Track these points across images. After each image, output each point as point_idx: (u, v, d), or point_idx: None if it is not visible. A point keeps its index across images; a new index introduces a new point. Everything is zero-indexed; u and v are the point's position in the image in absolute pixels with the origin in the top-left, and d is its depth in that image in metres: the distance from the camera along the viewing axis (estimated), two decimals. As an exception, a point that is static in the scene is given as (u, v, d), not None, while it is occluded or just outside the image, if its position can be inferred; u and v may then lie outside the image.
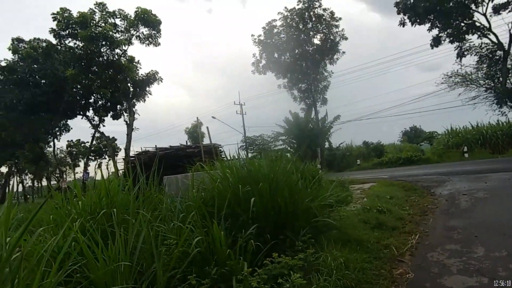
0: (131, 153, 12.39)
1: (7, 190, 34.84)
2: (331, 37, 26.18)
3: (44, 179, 36.96)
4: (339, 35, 26.21)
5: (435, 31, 20.41)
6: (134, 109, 25.37)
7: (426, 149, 28.94)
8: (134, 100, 25.41)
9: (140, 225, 2.60)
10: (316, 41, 26.82)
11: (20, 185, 42.16)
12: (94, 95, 25.00)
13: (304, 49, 26.78)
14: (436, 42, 20.64)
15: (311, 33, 26.53)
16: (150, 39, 23.79)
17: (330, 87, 27.65)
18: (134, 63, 24.87)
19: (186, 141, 22.30)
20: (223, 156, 6.01)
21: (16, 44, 23.80)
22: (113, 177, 4.45)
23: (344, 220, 4.47)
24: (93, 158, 42.38)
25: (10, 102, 22.00)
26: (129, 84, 24.78)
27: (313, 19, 26.08)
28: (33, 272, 1.68)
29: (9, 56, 23.90)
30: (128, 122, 24.61)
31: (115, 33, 22.63)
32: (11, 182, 37.24)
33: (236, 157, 4.76)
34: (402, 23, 20.65)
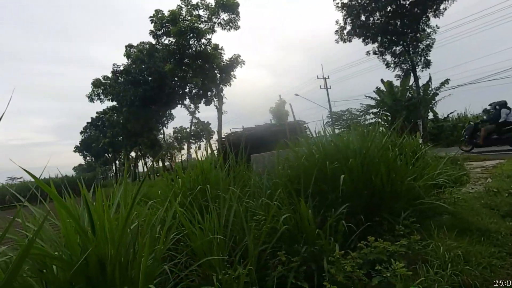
0: (222, 135, 13.56)
1: (136, 171, 44.57)
2: (436, -19, 21.09)
3: (160, 161, 45.28)
4: (447, -23, 20.85)
5: None
6: (222, 94, 27.44)
7: None
8: (221, 85, 27.39)
9: (231, 200, 2.75)
10: (415, -10, 22.10)
11: (144, 166, 53.07)
12: (188, 85, 28.12)
13: (398, 4, 22.59)
14: None
15: (407, -18, 22.02)
16: (230, 23, 24.80)
17: (434, 46, 22.53)
18: (219, 50, 26.55)
19: (271, 120, 22.87)
20: (307, 132, 5.82)
21: (128, 50, 28.79)
22: (207, 157, 4.91)
23: (459, 203, 3.68)
24: (193, 141, 49.04)
25: (129, 99, 27.21)
26: (215, 71, 26.78)
27: (410, -37, 21.48)
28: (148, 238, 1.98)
29: (125, 61, 29.22)
30: (218, 107, 26.89)
31: (199, 24, 24.53)
32: (139, 164, 47.59)
33: (322, 133, 4.49)
34: None
